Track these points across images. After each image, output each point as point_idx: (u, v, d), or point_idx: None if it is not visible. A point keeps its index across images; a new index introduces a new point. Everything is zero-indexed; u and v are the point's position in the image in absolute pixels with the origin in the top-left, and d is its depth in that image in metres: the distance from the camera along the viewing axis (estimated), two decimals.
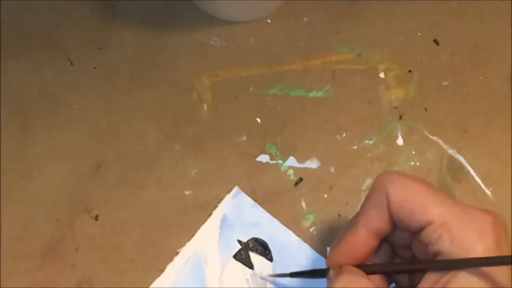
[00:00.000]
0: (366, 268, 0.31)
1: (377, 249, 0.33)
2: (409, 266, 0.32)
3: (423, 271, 0.29)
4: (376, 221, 0.30)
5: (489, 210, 0.29)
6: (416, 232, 0.30)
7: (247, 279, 0.37)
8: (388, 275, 0.33)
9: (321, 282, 0.37)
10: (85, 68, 0.44)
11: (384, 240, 0.32)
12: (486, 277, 0.27)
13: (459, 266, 0.27)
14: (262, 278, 0.37)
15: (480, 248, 0.27)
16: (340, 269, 0.31)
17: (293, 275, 0.35)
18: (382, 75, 0.44)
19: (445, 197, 0.29)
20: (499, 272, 0.27)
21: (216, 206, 0.39)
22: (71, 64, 0.44)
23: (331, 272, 0.31)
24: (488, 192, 0.40)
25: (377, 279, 0.31)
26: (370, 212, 0.31)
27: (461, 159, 0.41)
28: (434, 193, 0.29)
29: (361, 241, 0.31)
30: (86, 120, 0.42)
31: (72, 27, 0.45)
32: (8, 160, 0.41)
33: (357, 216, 0.32)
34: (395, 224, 0.30)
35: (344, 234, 0.31)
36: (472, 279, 0.27)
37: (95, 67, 0.44)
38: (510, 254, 0.28)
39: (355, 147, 0.42)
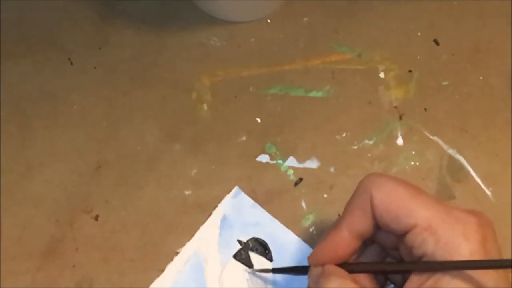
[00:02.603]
0: (349, 267, 0.31)
1: (365, 249, 0.33)
2: (393, 266, 0.32)
3: (407, 272, 0.29)
4: (359, 224, 0.30)
5: (475, 210, 0.29)
6: (401, 235, 0.29)
7: (247, 279, 0.37)
8: (384, 276, 0.33)
9: None
10: (85, 68, 0.44)
11: (372, 241, 0.32)
12: (471, 280, 0.27)
13: (444, 268, 0.27)
14: (246, 271, 0.37)
15: (465, 251, 0.27)
16: (322, 268, 0.31)
17: (275, 271, 0.36)
18: (382, 75, 0.44)
19: (430, 199, 0.29)
20: (485, 275, 0.27)
21: (216, 206, 0.39)
22: (71, 64, 0.44)
23: (313, 270, 0.31)
24: (488, 192, 0.40)
25: (365, 279, 0.31)
26: (353, 214, 0.30)
27: (461, 159, 0.41)
28: (419, 196, 0.29)
29: (343, 241, 0.31)
30: (86, 120, 0.42)
31: (72, 27, 0.45)
32: (8, 160, 0.41)
33: (340, 218, 0.31)
34: (380, 226, 0.30)
35: (328, 233, 0.31)
36: (457, 282, 0.27)
37: (95, 67, 0.44)
38: (495, 257, 0.28)
39: (355, 147, 0.41)
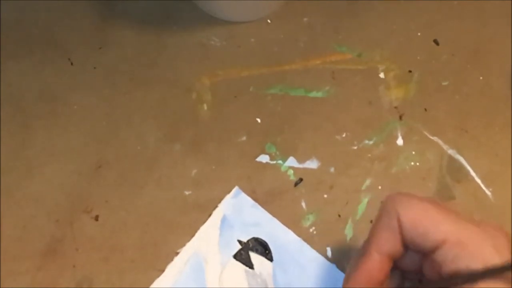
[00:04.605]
0: None
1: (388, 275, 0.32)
2: (437, 284, 0.31)
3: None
4: (388, 244, 0.30)
5: (501, 226, 0.29)
6: (429, 253, 0.29)
7: (247, 279, 0.37)
8: None
9: (321, 281, 0.37)
10: (85, 68, 0.44)
11: (393, 266, 0.32)
12: (508, 281, 0.27)
13: (485, 277, 0.27)
14: None
15: (498, 261, 0.27)
16: None
17: None
18: (382, 75, 0.44)
19: (456, 215, 0.29)
20: None
21: (216, 206, 0.39)
22: (71, 64, 0.44)
23: None
24: (488, 192, 0.40)
25: None
26: (382, 235, 0.30)
27: (461, 159, 0.41)
28: (446, 212, 0.29)
29: (376, 265, 0.30)
30: (86, 120, 0.42)
31: (72, 27, 0.45)
32: (8, 160, 0.41)
33: (367, 241, 0.31)
34: (407, 246, 0.30)
35: (357, 261, 0.31)
36: (495, 285, 0.27)
37: (95, 67, 0.44)
38: None
39: (355, 147, 0.41)
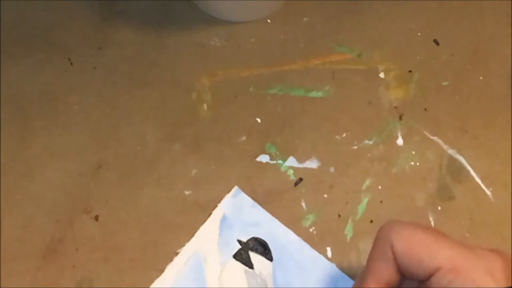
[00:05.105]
0: None
1: None
2: None
3: None
4: (384, 273, 0.30)
5: (497, 249, 0.29)
6: (424, 280, 0.29)
7: (247, 279, 0.37)
8: None
9: (321, 281, 0.37)
10: (85, 68, 0.44)
11: None
12: None
13: None
14: None
15: (492, 286, 0.27)
16: None
17: None
18: (382, 75, 0.44)
19: (450, 241, 0.29)
20: None
21: (216, 206, 0.39)
22: (71, 64, 0.44)
23: None
24: (488, 192, 0.40)
25: None
26: (377, 264, 0.30)
27: (461, 159, 0.41)
28: (440, 238, 0.29)
29: None
30: (86, 120, 0.42)
31: (72, 27, 0.45)
32: (8, 160, 0.41)
33: (364, 271, 0.31)
34: (403, 273, 0.30)
35: None
36: None
37: (95, 67, 0.44)
38: None
39: (355, 147, 0.41)
